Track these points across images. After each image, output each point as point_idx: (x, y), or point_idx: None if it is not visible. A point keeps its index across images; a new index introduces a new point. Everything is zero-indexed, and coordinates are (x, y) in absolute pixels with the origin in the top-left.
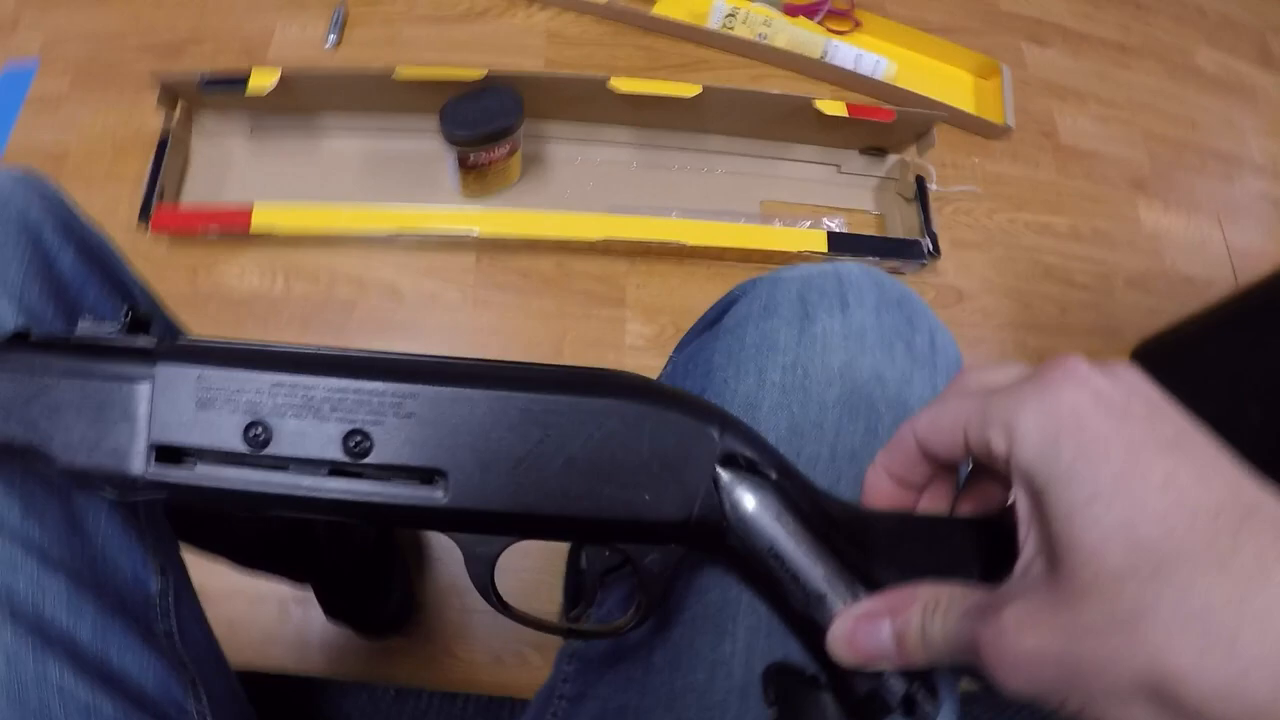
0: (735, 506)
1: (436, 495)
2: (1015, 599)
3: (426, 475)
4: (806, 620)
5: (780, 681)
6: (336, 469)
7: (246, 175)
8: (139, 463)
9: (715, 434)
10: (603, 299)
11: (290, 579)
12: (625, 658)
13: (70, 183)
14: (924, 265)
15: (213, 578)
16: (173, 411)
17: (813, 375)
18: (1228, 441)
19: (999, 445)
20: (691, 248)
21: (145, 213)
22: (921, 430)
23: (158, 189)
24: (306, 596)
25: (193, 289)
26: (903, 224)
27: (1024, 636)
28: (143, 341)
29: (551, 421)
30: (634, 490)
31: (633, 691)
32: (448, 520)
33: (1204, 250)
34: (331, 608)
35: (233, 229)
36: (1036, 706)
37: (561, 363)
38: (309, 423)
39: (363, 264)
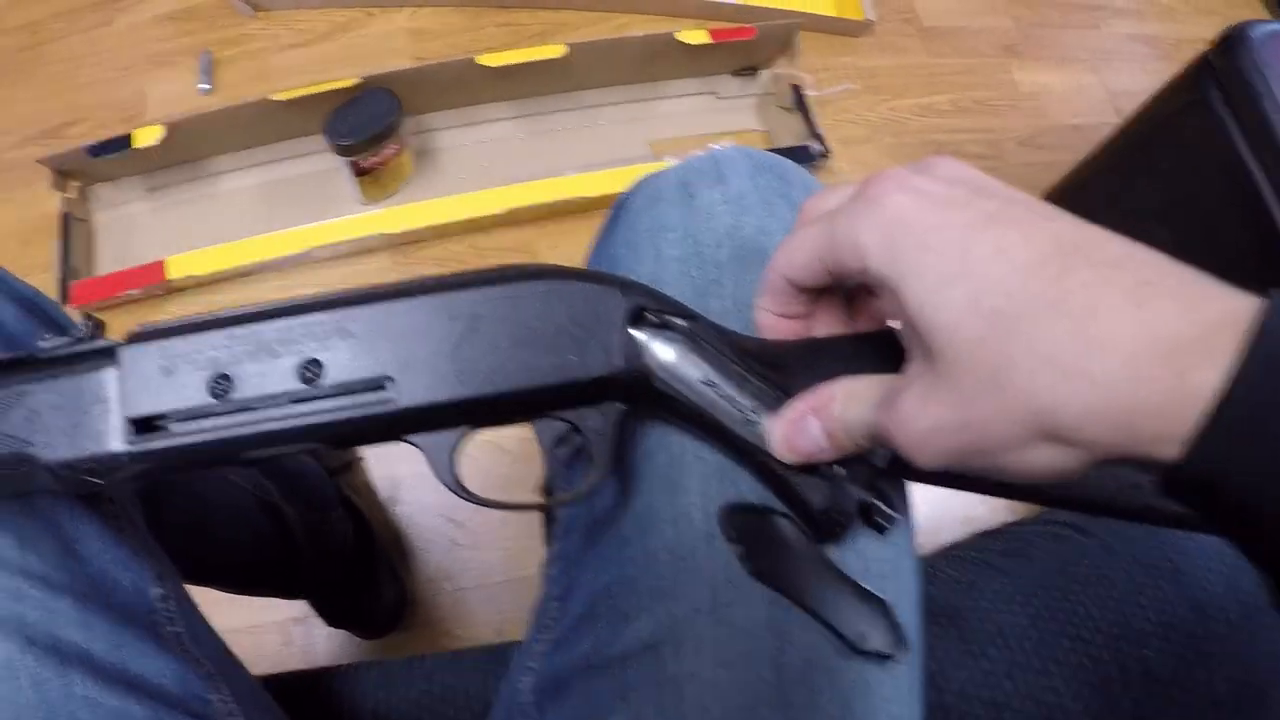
0: (654, 353)
1: (389, 398)
2: (907, 387)
3: (376, 384)
4: (747, 444)
5: (735, 519)
6: (296, 398)
7: (153, 234)
8: (119, 439)
9: (619, 292)
10: None
11: (283, 595)
12: (599, 540)
13: None
14: (816, 167)
15: (210, 620)
16: (141, 385)
17: (704, 241)
18: None
19: (852, 263)
20: (593, 199)
21: (64, 293)
22: (781, 266)
23: (70, 268)
24: (305, 615)
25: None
26: (789, 133)
27: (920, 416)
28: (103, 342)
29: (475, 312)
30: (560, 354)
31: (613, 567)
32: (403, 421)
33: (1085, 98)
34: (330, 615)
35: (151, 286)
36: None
37: None
38: (264, 363)
39: (284, 291)
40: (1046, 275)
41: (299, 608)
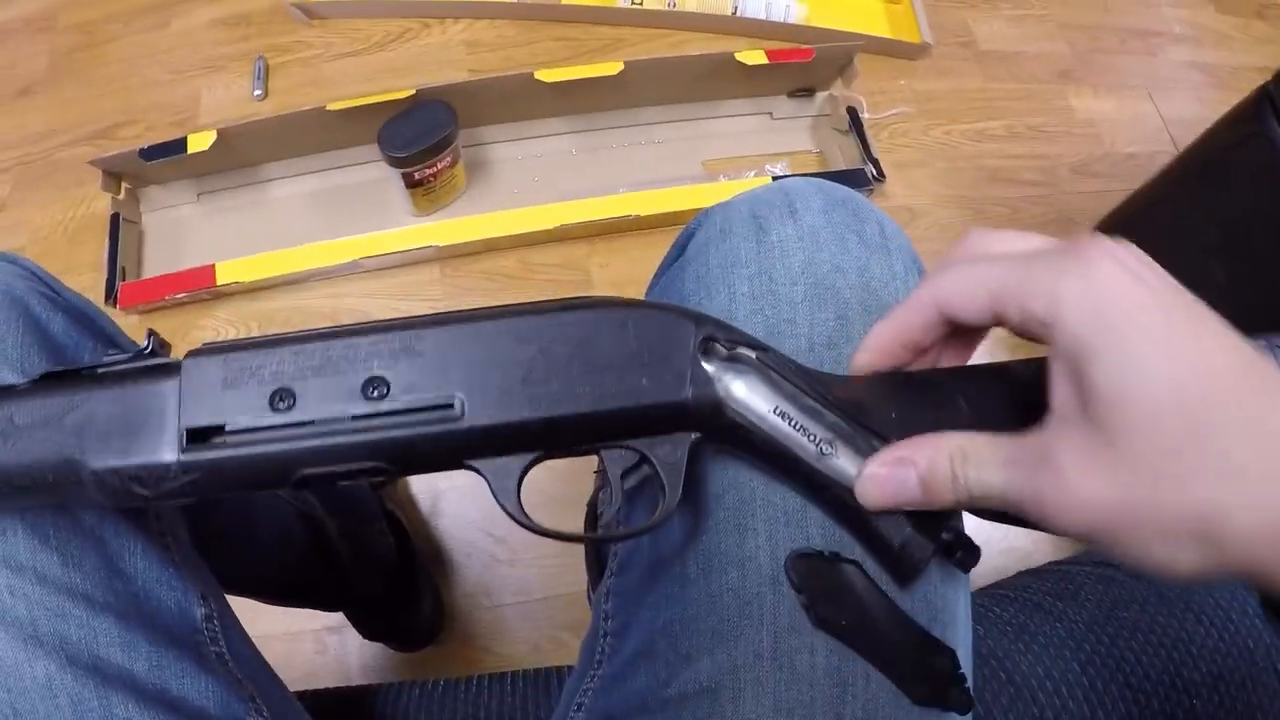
0: (725, 382)
1: (455, 416)
2: (1062, 452)
3: (443, 405)
4: (820, 477)
5: (801, 566)
6: (360, 415)
7: (202, 238)
8: (171, 449)
9: (691, 323)
10: (570, 284)
11: (322, 607)
12: (660, 578)
13: None
14: (871, 191)
15: (245, 626)
16: (201, 396)
17: (777, 279)
18: None
19: (1040, 311)
20: (645, 218)
21: (111, 293)
22: (945, 293)
23: (118, 269)
24: (340, 625)
25: (174, 354)
26: (843, 156)
27: (1083, 482)
28: (166, 359)
29: (546, 337)
30: (630, 378)
31: (674, 606)
32: (468, 442)
33: (1140, 126)
34: (367, 629)
35: (199, 290)
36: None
37: None
38: (329, 379)
39: (332, 299)
40: (1247, 387)
41: (335, 617)
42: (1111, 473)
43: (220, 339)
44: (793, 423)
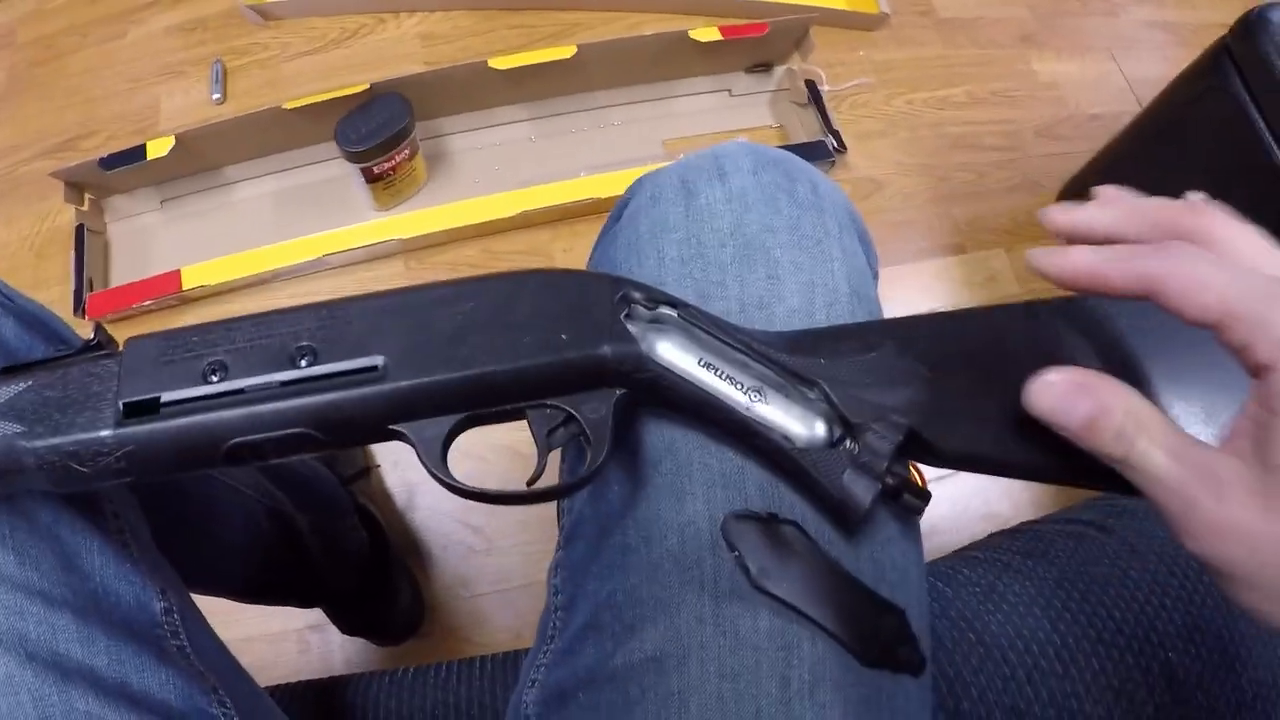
0: (650, 340)
1: (378, 378)
2: (1233, 474)
3: (367, 370)
4: (753, 429)
5: (737, 527)
6: (288, 384)
7: (167, 245)
8: (108, 425)
9: (609, 283)
10: None
11: (297, 604)
12: (603, 549)
13: None
14: (833, 163)
15: (228, 629)
16: (138, 373)
17: (705, 242)
18: None
19: (1264, 353)
20: (606, 200)
21: (79, 304)
22: (1179, 280)
23: (85, 280)
24: (321, 623)
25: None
26: (804, 129)
27: (1242, 512)
28: (112, 350)
29: (468, 302)
30: (550, 335)
31: (617, 576)
32: (392, 406)
33: (1104, 87)
34: (345, 624)
35: (166, 297)
36: None
37: None
38: (259, 350)
39: (299, 298)
40: None
41: (316, 615)
42: (1268, 513)
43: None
44: (719, 373)
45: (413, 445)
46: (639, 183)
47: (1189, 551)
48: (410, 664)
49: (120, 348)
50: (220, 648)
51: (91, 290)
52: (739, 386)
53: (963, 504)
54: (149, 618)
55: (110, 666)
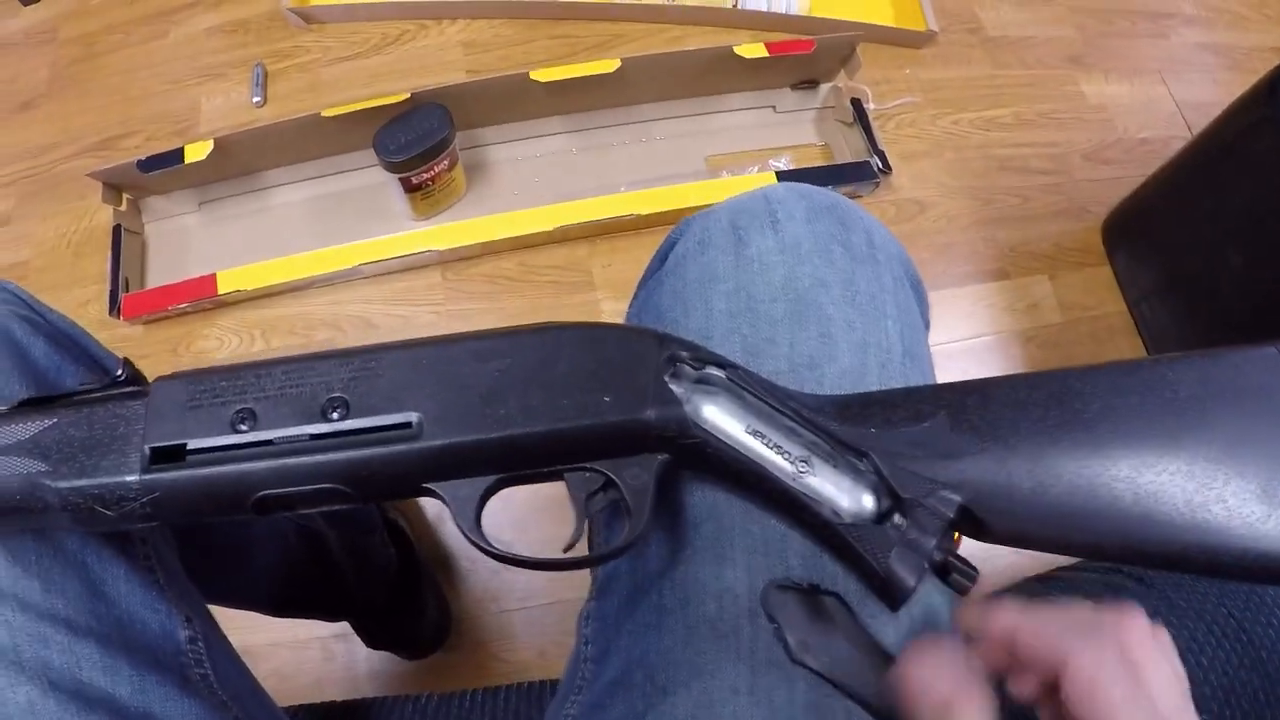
0: (695, 402)
1: (411, 436)
2: None
3: (401, 426)
4: (799, 501)
5: (778, 598)
6: (319, 437)
7: (204, 247)
8: (133, 470)
9: (654, 341)
10: (572, 286)
11: (324, 618)
12: (639, 605)
13: (35, 292)
14: (877, 184)
15: (254, 635)
16: (165, 417)
17: (756, 295)
18: (1217, 292)
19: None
20: (647, 216)
21: (114, 304)
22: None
23: (121, 280)
24: (347, 632)
25: (175, 364)
26: (849, 148)
27: None
28: (134, 388)
29: (505, 358)
30: (590, 397)
31: (651, 636)
32: (425, 464)
33: (1153, 110)
34: (371, 638)
35: (201, 300)
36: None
37: None
38: (290, 400)
39: (333, 306)
40: None
41: (342, 624)
42: None
43: (200, 365)
44: (767, 441)
45: (446, 504)
46: (687, 223)
47: None
48: (435, 677)
49: (148, 384)
50: (243, 676)
51: (127, 290)
52: (786, 456)
53: (988, 564)
54: (174, 646)
55: (133, 696)
